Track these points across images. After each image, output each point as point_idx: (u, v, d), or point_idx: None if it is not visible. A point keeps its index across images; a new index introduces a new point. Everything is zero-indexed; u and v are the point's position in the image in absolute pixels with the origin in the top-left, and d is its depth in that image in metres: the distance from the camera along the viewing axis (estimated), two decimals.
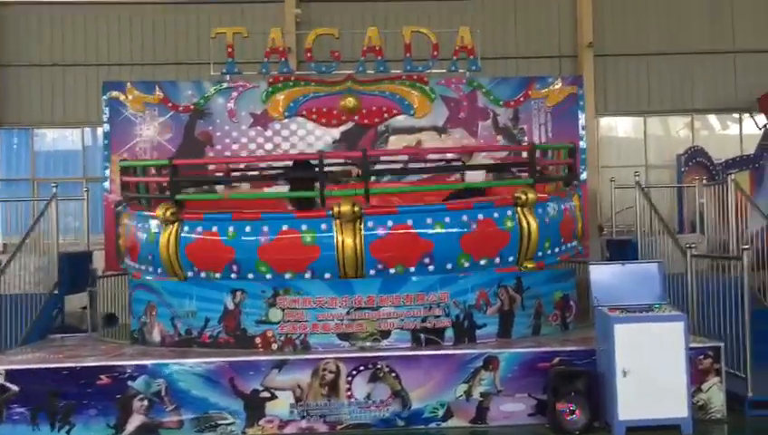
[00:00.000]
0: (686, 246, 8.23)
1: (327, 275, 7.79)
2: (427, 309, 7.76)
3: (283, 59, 11.70)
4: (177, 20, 15.82)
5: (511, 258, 8.13)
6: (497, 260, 8.09)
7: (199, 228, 8.03)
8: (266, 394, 7.19)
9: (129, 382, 7.15)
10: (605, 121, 16.35)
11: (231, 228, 7.89)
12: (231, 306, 7.85)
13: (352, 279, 7.78)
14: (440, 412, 7.24)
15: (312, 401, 7.20)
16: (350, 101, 11.76)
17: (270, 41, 11.60)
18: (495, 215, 8.04)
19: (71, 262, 10.36)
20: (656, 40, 16.18)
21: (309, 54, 11.77)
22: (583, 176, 11.93)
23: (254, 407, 7.18)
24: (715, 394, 7.15)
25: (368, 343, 7.69)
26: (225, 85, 11.83)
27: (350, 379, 7.23)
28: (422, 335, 7.76)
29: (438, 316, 7.79)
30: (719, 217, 10.02)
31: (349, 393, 7.22)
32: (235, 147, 11.70)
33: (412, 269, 7.83)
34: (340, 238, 7.69)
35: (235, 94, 11.83)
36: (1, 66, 15.60)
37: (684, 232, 11.78)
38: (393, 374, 7.24)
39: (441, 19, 15.28)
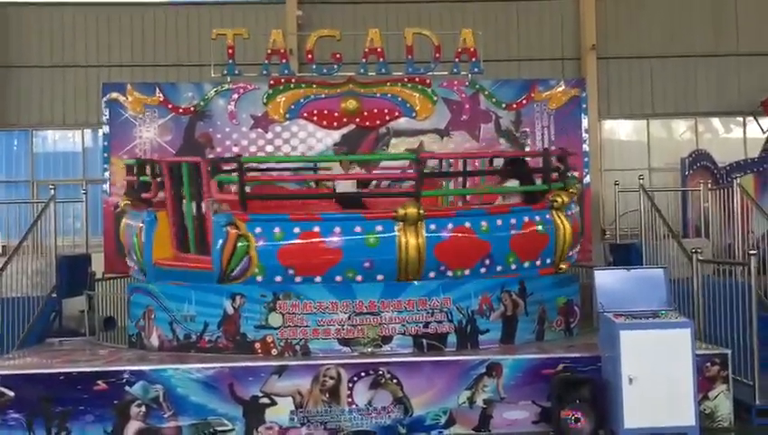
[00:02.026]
0: (692, 251, 8.12)
1: (548, 261, 8.34)
2: (429, 314, 7.66)
3: (284, 61, 11.62)
4: (177, 21, 15.72)
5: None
6: None
7: (450, 225, 7.82)
8: (266, 400, 7.09)
9: (127, 388, 7.05)
10: (608, 124, 16.25)
11: (484, 223, 7.85)
12: (230, 311, 7.75)
13: (353, 284, 7.68)
14: (442, 419, 7.13)
15: (312, 407, 7.10)
16: (352, 104, 11.69)
17: (271, 42, 11.53)
18: None
19: (69, 264, 10.27)
20: (659, 43, 16.07)
21: (310, 56, 11.69)
22: (586, 179, 11.87)
23: (254, 413, 7.07)
24: (722, 402, 7.04)
25: (369, 349, 7.58)
26: (225, 87, 11.76)
27: (350, 385, 7.13)
28: (424, 341, 7.66)
29: (441, 322, 7.68)
30: (724, 221, 9.92)
31: (350, 400, 7.12)
32: (235, 149, 11.62)
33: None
34: (561, 225, 8.27)
35: (235, 96, 11.76)
36: (0, 67, 15.50)
37: (689, 236, 11.67)
38: (395, 381, 7.13)
39: (443, 21, 15.20)
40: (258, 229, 7.67)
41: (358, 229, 7.66)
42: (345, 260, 7.63)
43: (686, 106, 16.14)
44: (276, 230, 7.66)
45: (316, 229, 7.66)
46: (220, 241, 7.71)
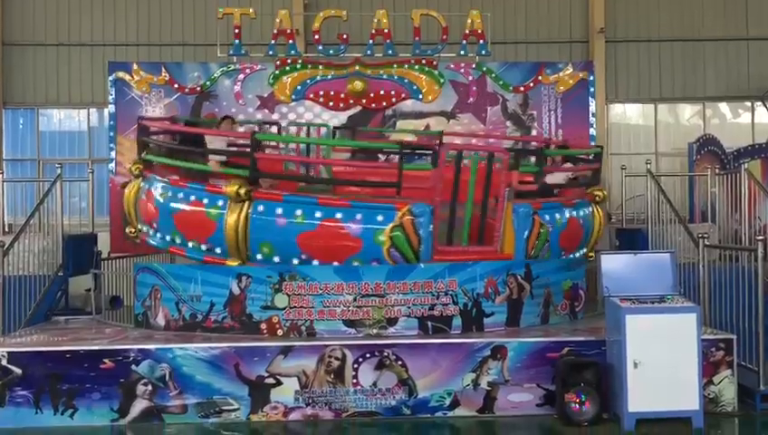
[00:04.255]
0: (699, 236, 8.10)
1: None
2: (434, 297, 7.67)
3: (290, 41, 11.56)
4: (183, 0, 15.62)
5: None
6: None
7: None
8: (271, 380, 7.13)
9: (133, 367, 7.09)
10: (615, 108, 16.15)
11: None
12: (237, 291, 7.77)
13: (359, 265, 7.68)
14: (447, 401, 7.17)
15: (317, 387, 7.14)
16: (358, 85, 11.63)
17: (277, 22, 11.46)
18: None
19: (75, 244, 10.29)
20: (667, 26, 15.92)
21: (316, 37, 11.62)
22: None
23: (259, 393, 7.12)
24: (726, 387, 7.06)
25: (374, 331, 7.61)
26: (231, 67, 11.72)
27: (356, 366, 7.16)
28: (429, 323, 7.68)
29: (446, 304, 7.70)
30: (731, 206, 9.89)
31: (355, 381, 7.15)
32: (240, 129, 11.58)
33: None
34: None
35: (241, 76, 11.73)
36: (6, 45, 15.43)
37: (695, 221, 11.64)
38: (400, 362, 7.16)
39: (451, 2, 15.07)
40: (547, 217, 8.37)
41: (584, 211, 9.10)
42: (584, 237, 9.07)
43: (695, 90, 16.02)
44: (557, 216, 8.56)
45: (575, 213, 8.84)
46: (526, 230, 8.12)
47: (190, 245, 8.34)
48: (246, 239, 7.87)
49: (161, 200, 8.52)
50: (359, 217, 7.76)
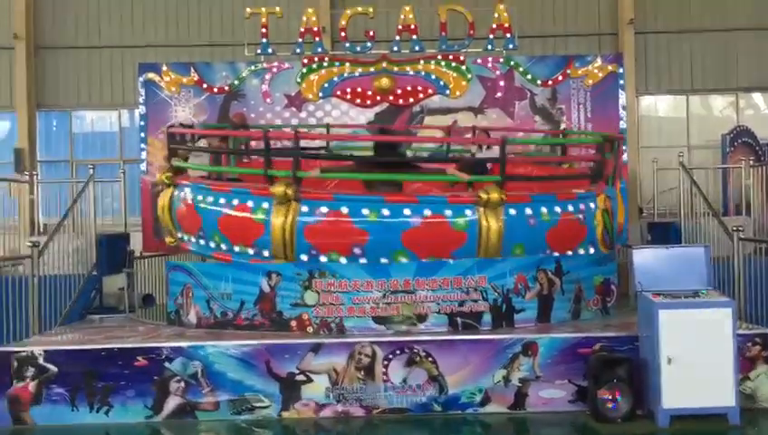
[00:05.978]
0: (733, 230, 7.96)
1: None
2: (464, 293, 7.64)
3: (317, 39, 11.62)
4: (211, 0, 15.75)
5: None
6: None
7: None
8: (302, 377, 7.15)
9: (167, 364, 7.17)
10: (646, 101, 15.95)
11: None
12: (267, 289, 7.81)
13: (388, 262, 7.67)
14: (478, 398, 7.13)
15: (347, 384, 7.15)
16: (385, 82, 11.64)
17: (304, 21, 11.52)
18: None
19: (108, 243, 10.43)
20: (698, 16, 15.69)
21: (343, 34, 11.64)
22: (624, 157, 11.68)
23: (290, 390, 7.15)
24: (763, 383, 6.93)
25: (404, 327, 7.60)
26: (259, 66, 11.79)
27: (386, 363, 7.15)
28: (459, 320, 7.64)
29: (476, 300, 7.66)
30: (766, 198, 9.72)
31: (385, 377, 7.15)
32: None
33: None
34: None
35: (269, 75, 11.80)
36: (39, 49, 15.73)
37: (728, 215, 11.45)
38: (430, 359, 7.14)
39: None
40: None
41: None
42: None
43: (727, 81, 15.76)
44: None
45: None
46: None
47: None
48: (501, 242, 7.72)
49: (374, 220, 7.63)
50: (582, 206, 8.18)
